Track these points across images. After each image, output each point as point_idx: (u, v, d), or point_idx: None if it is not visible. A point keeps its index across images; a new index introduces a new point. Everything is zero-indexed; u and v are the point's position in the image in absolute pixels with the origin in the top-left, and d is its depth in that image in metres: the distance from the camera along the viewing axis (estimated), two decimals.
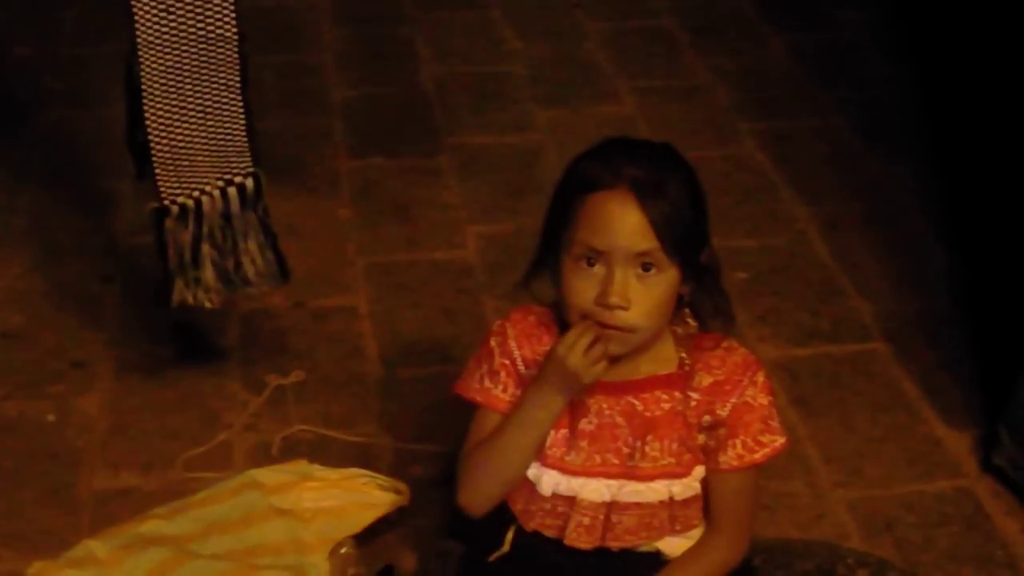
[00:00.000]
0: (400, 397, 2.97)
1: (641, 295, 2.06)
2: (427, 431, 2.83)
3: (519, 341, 2.22)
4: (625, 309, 2.05)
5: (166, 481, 2.74)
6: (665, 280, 2.07)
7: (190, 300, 2.75)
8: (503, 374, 2.22)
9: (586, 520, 2.20)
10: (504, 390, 2.22)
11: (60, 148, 3.88)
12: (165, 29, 2.56)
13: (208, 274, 2.75)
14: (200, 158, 2.69)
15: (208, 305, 2.77)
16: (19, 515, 2.66)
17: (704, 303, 2.19)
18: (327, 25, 4.65)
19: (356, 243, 3.50)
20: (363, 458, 2.77)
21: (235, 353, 3.07)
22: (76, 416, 2.91)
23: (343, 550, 2.52)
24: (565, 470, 2.19)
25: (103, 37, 4.33)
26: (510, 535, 2.26)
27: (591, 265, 2.07)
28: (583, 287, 2.07)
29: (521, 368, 2.21)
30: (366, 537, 2.56)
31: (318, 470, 2.66)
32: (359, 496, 2.61)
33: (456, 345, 3.10)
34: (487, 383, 2.23)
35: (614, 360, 2.14)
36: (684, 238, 2.07)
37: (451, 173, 3.81)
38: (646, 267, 2.05)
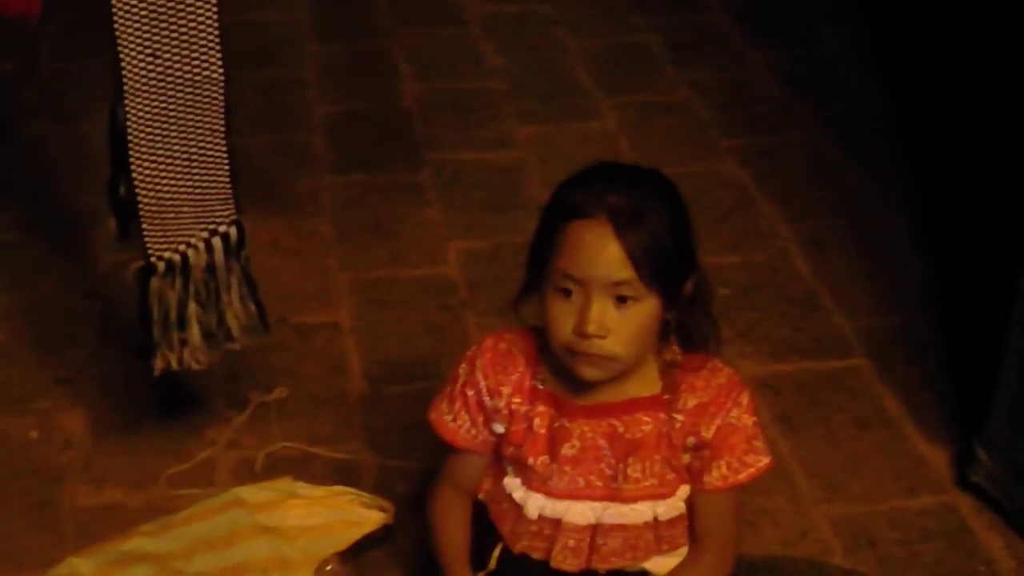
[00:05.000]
0: (384, 414, 2.97)
1: (619, 323, 2.06)
2: (411, 448, 2.83)
3: (486, 371, 2.24)
4: (603, 337, 2.06)
5: (150, 498, 2.74)
6: (643, 309, 2.08)
7: (175, 365, 2.65)
8: (459, 404, 2.26)
9: (571, 543, 2.22)
10: (455, 419, 2.28)
11: (41, 164, 3.87)
12: (152, 74, 2.50)
13: (194, 334, 2.66)
14: (186, 208, 2.62)
15: (195, 367, 2.68)
16: (2, 533, 2.65)
17: (691, 330, 2.20)
18: (308, 41, 4.64)
19: (338, 259, 3.50)
20: (347, 475, 2.77)
21: (218, 370, 3.05)
22: (59, 432, 2.91)
23: (328, 568, 2.52)
24: (550, 493, 2.21)
25: (82, 52, 4.32)
26: (496, 553, 2.28)
27: (568, 295, 2.08)
28: (562, 317, 2.09)
29: (486, 399, 2.24)
30: (351, 555, 2.56)
31: (303, 488, 2.66)
32: (344, 514, 2.61)
33: (439, 361, 3.10)
34: (444, 406, 2.30)
35: (596, 384, 2.16)
36: (663, 268, 2.07)
37: (432, 189, 3.81)
38: (622, 298, 2.06)
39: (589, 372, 2.11)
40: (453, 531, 2.33)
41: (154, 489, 2.76)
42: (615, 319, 2.06)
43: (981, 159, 3.88)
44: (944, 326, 3.28)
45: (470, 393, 2.25)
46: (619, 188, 2.09)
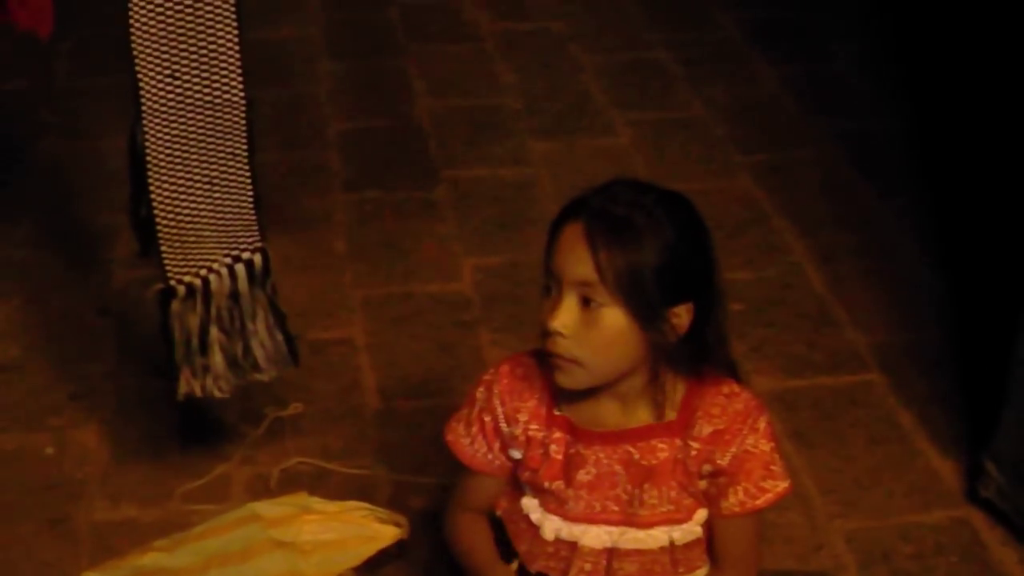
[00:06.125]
0: (398, 429, 2.97)
1: (583, 327, 2.05)
2: (426, 463, 2.83)
3: (503, 398, 2.23)
4: (563, 336, 2.06)
5: (165, 513, 2.74)
6: (608, 318, 2.05)
7: (198, 391, 2.62)
8: (476, 428, 2.25)
9: (588, 566, 2.21)
10: (472, 443, 2.27)
11: (56, 180, 3.89)
12: (171, 95, 2.47)
13: (217, 360, 2.62)
14: (207, 233, 2.57)
15: (217, 394, 2.64)
16: (18, 548, 2.66)
17: (689, 363, 2.16)
18: (321, 58, 4.66)
19: (352, 276, 3.51)
20: (362, 490, 2.77)
21: None
22: (75, 448, 2.92)
23: None
24: (567, 517, 2.21)
25: (99, 70, 4.35)
26: (514, 566, 2.28)
27: (549, 293, 2.09)
28: (542, 315, 2.09)
29: (503, 426, 2.23)
30: (366, 570, 2.56)
31: (317, 503, 2.66)
32: (359, 529, 2.61)
33: (453, 377, 3.11)
34: (461, 428, 2.28)
35: (610, 410, 2.16)
36: (633, 282, 2.04)
37: (447, 206, 3.82)
38: (586, 300, 2.05)
39: (560, 377, 2.10)
40: (482, 545, 2.32)
41: (169, 505, 2.77)
42: (580, 322, 2.05)
43: (993, 174, 3.88)
44: (956, 341, 3.28)
45: (487, 419, 2.24)
46: (613, 198, 2.08)
